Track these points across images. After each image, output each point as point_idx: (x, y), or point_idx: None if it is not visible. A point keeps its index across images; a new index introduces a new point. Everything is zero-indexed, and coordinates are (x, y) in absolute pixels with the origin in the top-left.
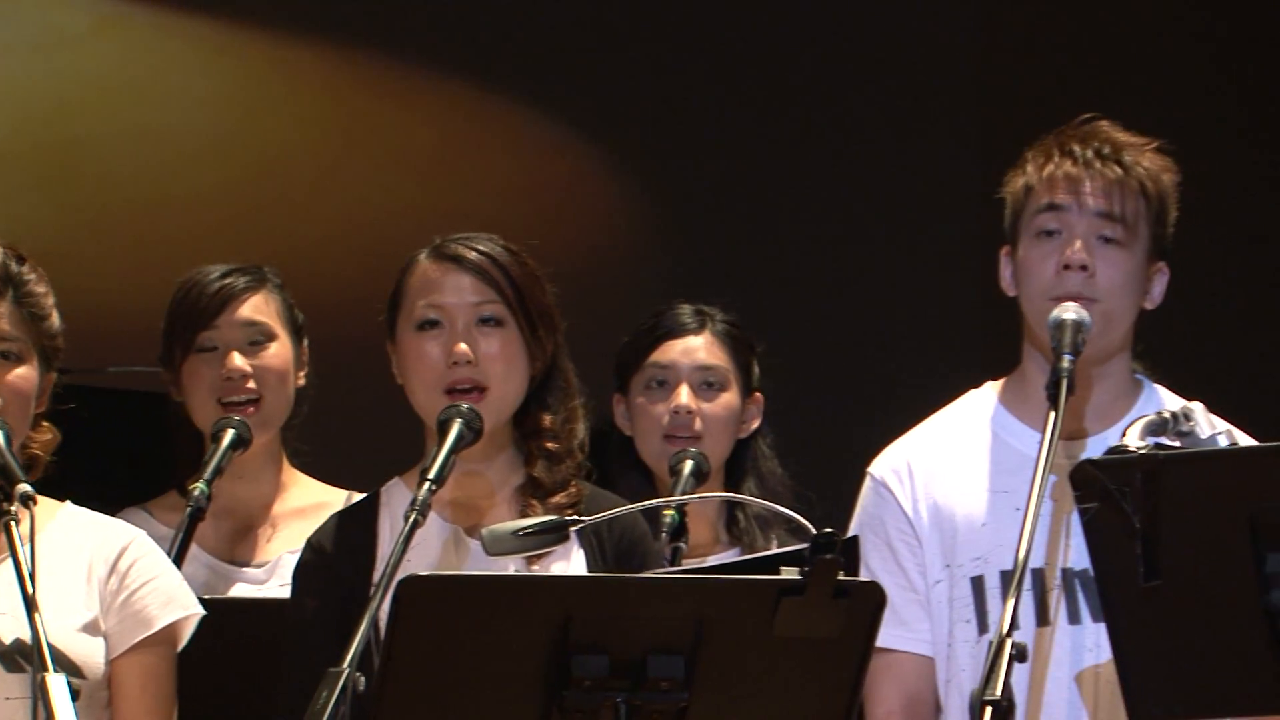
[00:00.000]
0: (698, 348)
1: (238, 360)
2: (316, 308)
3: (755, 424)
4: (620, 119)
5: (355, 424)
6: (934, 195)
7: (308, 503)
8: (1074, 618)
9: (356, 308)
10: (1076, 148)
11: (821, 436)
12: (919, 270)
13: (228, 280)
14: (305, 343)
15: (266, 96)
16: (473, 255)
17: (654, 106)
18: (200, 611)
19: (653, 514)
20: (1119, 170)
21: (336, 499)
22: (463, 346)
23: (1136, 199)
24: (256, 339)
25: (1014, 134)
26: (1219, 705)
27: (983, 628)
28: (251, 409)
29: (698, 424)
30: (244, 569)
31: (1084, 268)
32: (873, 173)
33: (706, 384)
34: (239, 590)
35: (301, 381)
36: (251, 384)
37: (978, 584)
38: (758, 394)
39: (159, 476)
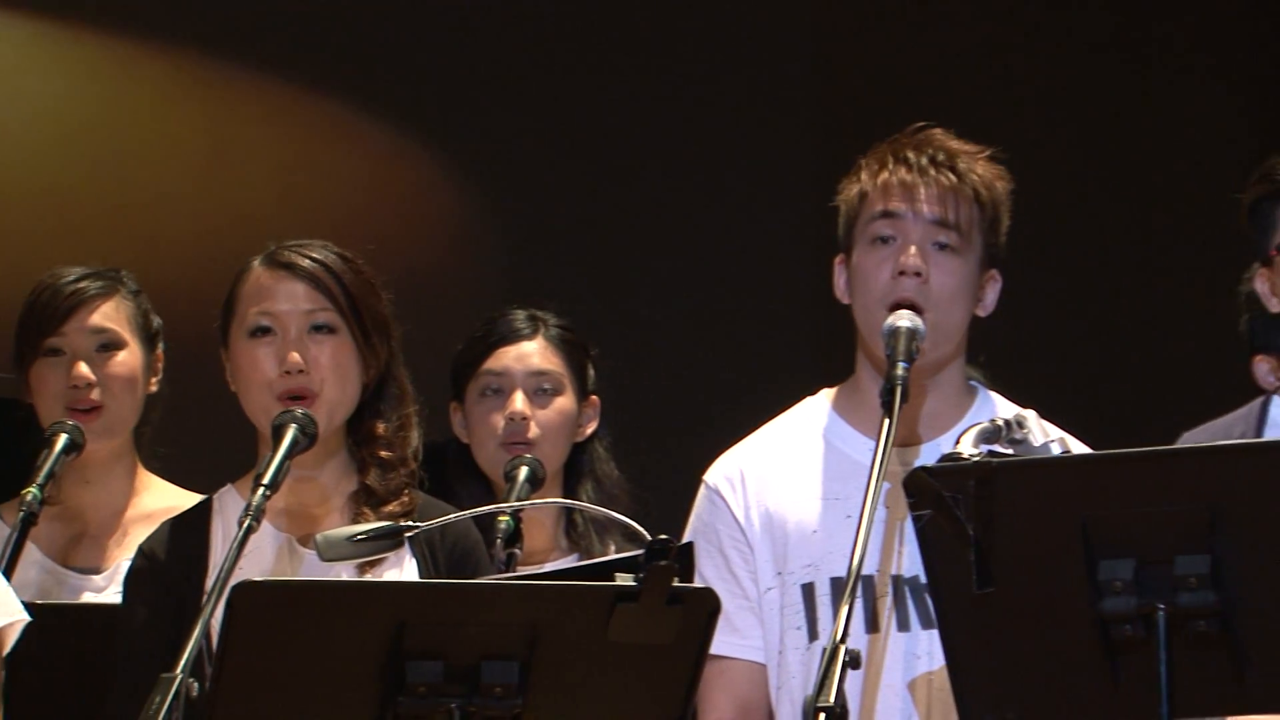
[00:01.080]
0: (531, 353)
1: (83, 368)
2: (174, 310)
3: (592, 428)
4: (458, 126)
5: (214, 427)
6: (769, 202)
7: (160, 507)
8: (903, 625)
9: (211, 311)
10: (911, 155)
11: (659, 440)
12: (755, 276)
13: (80, 285)
14: (160, 349)
15: (112, 98)
16: (305, 263)
17: (492, 114)
18: (25, 618)
19: (488, 521)
20: (953, 178)
21: (190, 503)
22: (295, 355)
23: (970, 206)
24: (104, 346)
25: (849, 141)
26: (1053, 712)
27: (813, 635)
28: (95, 415)
29: (533, 430)
30: (86, 576)
31: (918, 274)
32: (708, 180)
33: (541, 389)
34: (85, 597)
35: (153, 388)
36: (96, 394)
37: (808, 591)
38: (594, 397)
39: (19, 478)
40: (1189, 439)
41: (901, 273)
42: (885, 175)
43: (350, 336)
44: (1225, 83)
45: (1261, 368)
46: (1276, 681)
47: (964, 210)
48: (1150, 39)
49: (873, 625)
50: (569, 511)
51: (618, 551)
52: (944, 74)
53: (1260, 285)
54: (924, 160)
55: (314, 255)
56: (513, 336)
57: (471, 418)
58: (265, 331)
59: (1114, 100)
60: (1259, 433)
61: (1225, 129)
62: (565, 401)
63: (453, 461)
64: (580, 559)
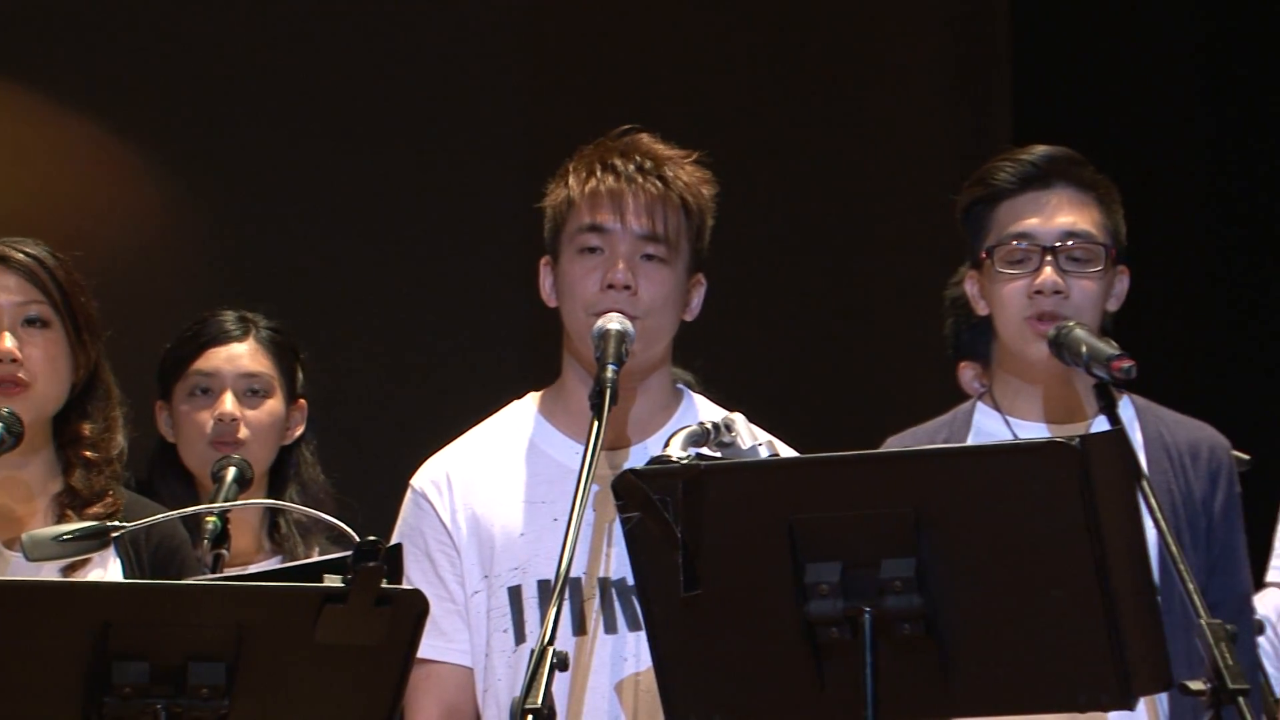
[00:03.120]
0: (241, 355)
1: None
2: None
3: (299, 431)
4: (167, 121)
5: None
6: (476, 204)
7: None
8: (611, 627)
9: None
10: (618, 162)
11: (366, 444)
12: (461, 278)
13: None
14: None
15: None
16: (20, 256)
17: (200, 108)
18: None
19: (194, 521)
20: (660, 186)
21: None
22: (7, 344)
23: (678, 215)
24: None
25: (556, 140)
26: (759, 714)
27: (520, 638)
28: None
29: (242, 431)
30: None
31: (627, 287)
32: (416, 180)
33: (251, 391)
34: None
35: None
36: None
37: (515, 594)
38: (302, 401)
39: None
40: (894, 443)
41: (610, 286)
42: (593, 183)
43: (63, 332)
44: (931, 85)
45: (967, 373)
46: (980, 683)
47: (671, 220)
48: (857, 38)
49: (580, 628)
50: (273, 513)
51: (323, 553)
52: (648, 75)
53: (970, 288)
54: (631, 168)
55: (28, 249)
56: (223, 337)
57: (179, 417)
58: None
59: (818, 101)
60: (964, 438)
61: (932, 133)
62: (275, 404)
63: (157, 460)
64: (284, 561)
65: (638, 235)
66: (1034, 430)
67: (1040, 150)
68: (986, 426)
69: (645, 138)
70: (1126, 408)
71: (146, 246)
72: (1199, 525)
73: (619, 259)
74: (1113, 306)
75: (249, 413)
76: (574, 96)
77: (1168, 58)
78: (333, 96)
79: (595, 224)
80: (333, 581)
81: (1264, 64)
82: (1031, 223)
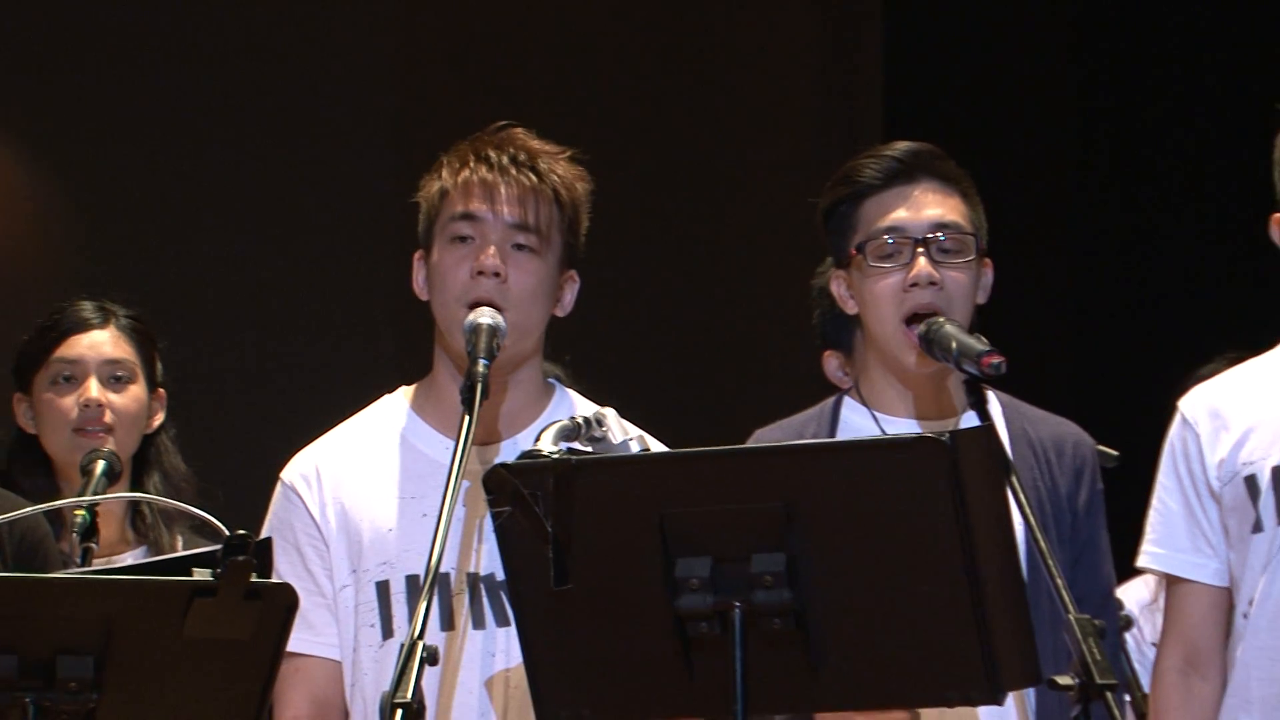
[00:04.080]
0: (104, 342)
1: None
2: None
3: (159, 419)
4: (31, 107)
5: None
6: (348, 197)
7: None
8: (480, 623)
9: None
10: (492, 154)
11: (235, 437)
12: (332, 268)
13: None
14: None
15: None
16: None
17: (65, 95)
18: None
19: (57, 515)
20: (534, 178)
21: None
22: None
23: (550, 207)
24: None
25: (429, 134)
26: (630, 709)
27: (387, 633)
28: None
29: (108, 416)
30: None
31: (497, 274)
32: (287, 170)
33: (115, 377)
34: None
35: None
36: None
37: (383, 589)
38: (161, 390)
39: None
40: (762, 437)
41: (480, 273)
42: (466, 174)
43: None
44: (802, 81)
45: (832, 364)
46: (849, 678)
47: (543, 211)
48: (729, 33)
49: (449, 623)
50: (135, 503)
51: (185, 544)
52: (520, 73)
53: (836, 288)
54: (505, 160)
55: None
56: (83, 325)
57: (41, 406)
58: None
59: (688, 97)
60: (831, 432)
61: (803, 128)
62: (138, 390)
63: (16, 452)
64: (149, 551)
65: (509, 224)
66: (903, 426)
67: (903, 146)
68: (854, 421)
69: (520, 132)
70: (992, 404)
71: (13, 236)
72: (1064, 521)
73: (490, 245)
74: (980, 299)
75: (114, 398)
76: (446, 89)
77: (1036, 54)
78: (200, 86)
79: (467, 212)
80: (202, 575)
81: (1128, 58)
82: (900, 216)
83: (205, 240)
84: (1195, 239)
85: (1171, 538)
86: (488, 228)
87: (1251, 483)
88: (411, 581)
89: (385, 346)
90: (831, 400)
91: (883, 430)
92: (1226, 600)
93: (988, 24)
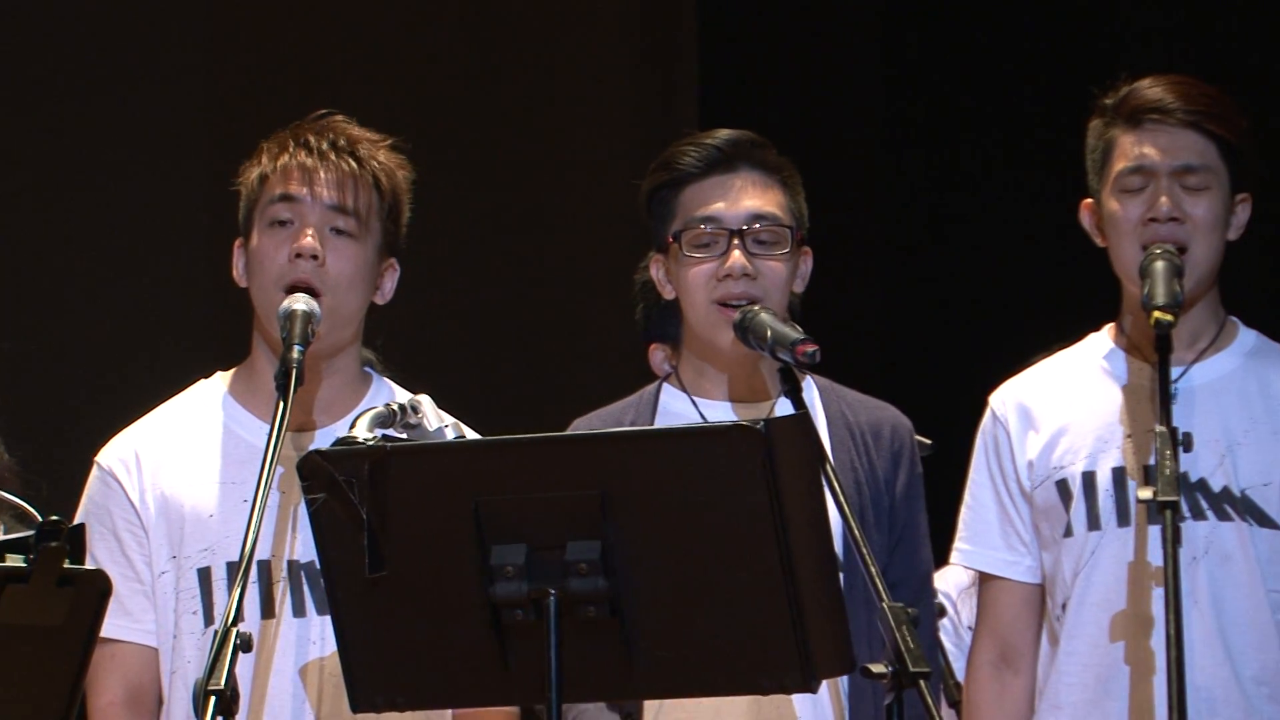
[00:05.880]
0: None
1: None
2: None
3: None
4: None
5: None
6: (162, 185)
7: None
8: (299, 610)
9: None
10: (312, 139)
11: (52, 423)
12: (147, 251)
13: None
14: None
15: None
16: None
17: None
18: None
19: None
20: (353, 163)
21: None
22: None
23: (370, 192)
24: None
25: (245, 122)
26: (443, 695)
27: (209, 619)
28: None
29: None
30: None
31: (315, 257)
32: (106, 161)
33: None
34: None
35: None
36: None
37: (204, 575)
38: None
39: None
40: (580, 425)
41: (298, 255)
42: (285, 159)
43: None
44: (618, 70)
45: (657, 355)
46: (664, 666)
47: (363, 196)
48: (545, 23)
49: (268, 611)
50: None
51: (7, 532)
52: (344, 60)
53: (655, 272)
54: (324, 145)
55: None
56: None
57: None
58: None
59: (505, 87)
60: (651, 419)
61: (620, 117)
62: None
63: None
64: None
65: (327, 206)
66: (720, 409)
67: (724, 134)
68: (673, 407)
69: (341, 119)
70: (810, 388)
71: None
72: (882, 504)
73: (308, 228)
74: (798, 288)
75: None
76: (265, 76)
77: (850, 42)
78: (21, 75)
79: (286, 194)
80: (14, 561)
81: (938, 42)
82: (717, 207)
83: (15, 226)
84: (1009, 225)
85: (984, 535)
86: (306, 210)
87: (1063, 487)
88: (232, 568)
89: (200, 331)
90: (652, 386)
91: (702, 415)
92: (1039, 596)
93: (799, 5)
